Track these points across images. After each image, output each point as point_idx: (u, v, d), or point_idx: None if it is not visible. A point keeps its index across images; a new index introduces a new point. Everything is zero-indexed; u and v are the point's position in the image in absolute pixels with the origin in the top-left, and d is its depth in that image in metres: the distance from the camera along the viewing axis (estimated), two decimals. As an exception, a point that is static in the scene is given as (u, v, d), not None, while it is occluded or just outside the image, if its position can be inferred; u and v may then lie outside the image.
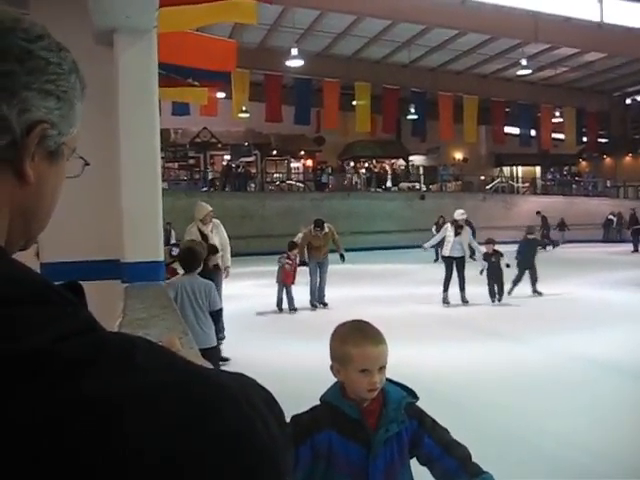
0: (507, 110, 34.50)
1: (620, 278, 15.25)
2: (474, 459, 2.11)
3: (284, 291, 11.59)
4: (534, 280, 12.72)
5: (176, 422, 0.58)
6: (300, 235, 13.15)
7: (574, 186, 38.05)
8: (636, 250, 25.01)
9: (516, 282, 12.55)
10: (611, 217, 31.53)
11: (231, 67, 8.72)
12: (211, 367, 0.84)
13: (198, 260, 5.87)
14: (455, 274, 11.91)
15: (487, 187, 36.45)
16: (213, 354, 5.70)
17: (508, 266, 11.94)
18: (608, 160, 39.78)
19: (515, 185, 39.21)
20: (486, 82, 33.68)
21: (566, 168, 40.01)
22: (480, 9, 25.15)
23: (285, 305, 11.62)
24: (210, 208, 9.03)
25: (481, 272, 11.93)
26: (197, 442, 0.58)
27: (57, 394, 0.55)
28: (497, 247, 12.05)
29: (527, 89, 34.22)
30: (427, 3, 24.19)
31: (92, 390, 0.56)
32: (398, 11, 24.01)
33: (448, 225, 12.45)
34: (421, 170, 37.98)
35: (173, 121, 26.72)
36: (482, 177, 37.41)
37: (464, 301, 11.92)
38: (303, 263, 12.06)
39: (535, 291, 12.73)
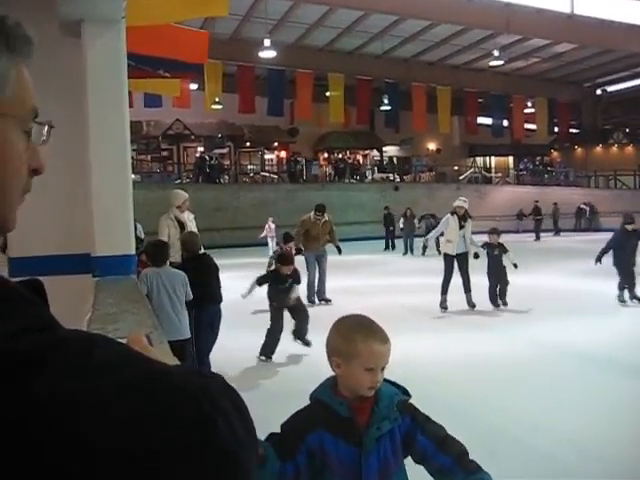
0: (480, 101, 34.72)
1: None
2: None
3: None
4: (633, 284, 10.33)
5: (132, 423, 0.57)
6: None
7: (546, 176, 38.42)
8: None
9: (627, 287, 10.26)
10: (583, 206, 31.93)
11: (203, 59, 8.62)
12: (178, 365, 0.82)
13: (166, 252, 5.85)
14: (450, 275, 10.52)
15: (460, 177, 36.68)
16: (187, 346, 5.68)
17: (516, 266, 10.23)
18: (579, 150, 40.24)
19: (488, 175, 39.51)
20: (459, 73, 33.83)
21: (538, 158, 40.37)
22: (453, 0, 25.22)
23: None
24: (187, 195, 8.92)
25: (475, 256, 10.37)
26: (153, 443, 0.57)
27: (8, 393, 0.54)
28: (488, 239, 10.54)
29: (499, 80, 34.45)
30: (400, -6, 24.21)
31: (46, 389, 0.55)
32: (371, 2, 24.01)
33: (449, 216, 10.74)
34: (395, 161, 38.13)
35: (145, 113, 26.47)
36: (455, 167, 37.63)
37: (471, 305, 10.42)
38: (298, 251, 11.18)
39: (635, 297, 10.32)
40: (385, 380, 2.04)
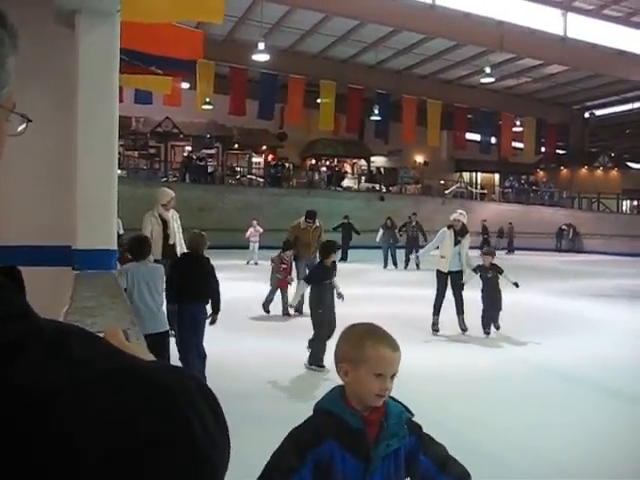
0: (469, 117, 34.92)
1: (583, 286, 15.58)
2: None
3: (278, 294, 10.69)
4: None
5: (107, 417, 0.56)
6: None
7: (531, 195, 38.71)
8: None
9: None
10: (564, 227, 32.24)
11: (198, 55, 8.61)
12: (155, 361, 0.81)
13: (148, 247, 5.91)
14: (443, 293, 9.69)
15: (446, 192, 36.84)
16: (167, 338, 5.75)
17: (517, 285, 9.40)
18: (565, 171, 40.57)
19: (474, 191, 39.72)
20: (450, 88, 34.04)
21: (524, 177, 40.68)
22: (448, 15, 25.38)
23: (275, 309, 10.67)
24: (173, 194, 8.91)
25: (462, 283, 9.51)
26: (127, 439, 0.56)
27: None
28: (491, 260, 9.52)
29: (490, 97, 34.69)
30: (396, 5, 24.32)
31: (22, 378, 0.54)
32: (367, 12, 24.09)
33: (445, 230, 9.82)
34: (382, 171, 38.25)
35: (135, 109, 26.36)
36: (442, 181, 37.80)
37: (463, 329, 9.51)
38: (295, 258, 11.16)
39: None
40: (390, 397, 2.00)
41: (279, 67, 28.12)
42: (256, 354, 7.82)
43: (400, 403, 2.03)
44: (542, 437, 5.12)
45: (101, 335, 0.74)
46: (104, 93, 4.59)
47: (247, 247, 20.54)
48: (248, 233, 20.55)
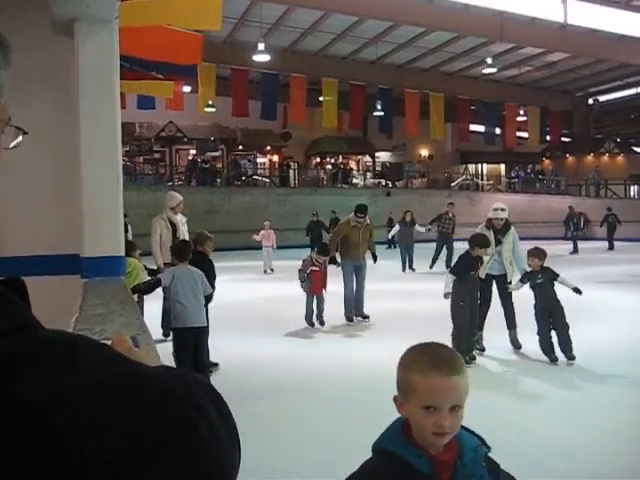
0: (472, 108, 34.82)
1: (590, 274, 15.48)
2: None
3: (314, 302, 9.53)
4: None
5: (114, 425, 0.57)
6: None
7: (537, 184, 38.58)
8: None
9: None
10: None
11: (197, 59, 8.62)
12: (161, 365, 0.81)
13: (189, 250, 6.47)
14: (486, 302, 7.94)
15: (452, 184, 36.78)
16: (205, 333, 6.28)
17: (578, 292, 7.28)
18: (570, 159, 40.42)
19: (480, 182, 39.63)
20: (452, 80, 33.94)
21: (530, 166, 40.55)
22: (447, 7, 25.29)
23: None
24: (181, 198, 8.93)
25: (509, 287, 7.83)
26: (133, 446, 0.56)
27: None
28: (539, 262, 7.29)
29: (492, 87, 34.58)
30: (394, 0, 24.27)
31: (29, 390, 0.54)
32: (365, 8, 24.05)
33: (483, 227, 8.09)
34: (387, 166, 38.22)
35: (138, 115, 26.43)
36: (447, 174, 37.73)
37: (516, 345, 7.77)
38: (332, 261, 9.87)
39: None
40: (462, 427, 1.64)
41: (280, 67, 28.14)
42: (269, 355, 7.82)
43: (474, 434, 1.69)
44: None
45: (108, 343, 0.75)
46: (106, 100, 4.60)
47: (255, 248, 18.70)
48: (260, 236, 17.80)
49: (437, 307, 8.28)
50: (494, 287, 7.92)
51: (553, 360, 7.06)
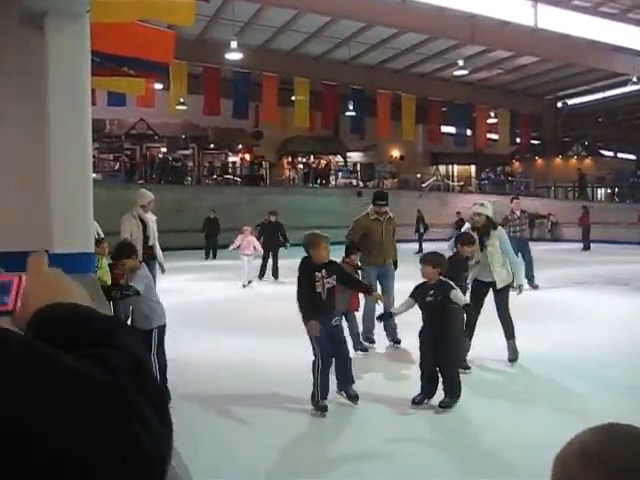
0: (444, 110, 35.09)
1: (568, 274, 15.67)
2: None
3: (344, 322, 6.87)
4: None
5: (42, 423, 0.56)
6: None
7: (507, 186, 38.97)
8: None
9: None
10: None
11: (169, 58, 8.54)
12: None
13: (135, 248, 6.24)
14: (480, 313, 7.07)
15: (423, 185, 37.01)
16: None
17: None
18: (539, 161, 40.88)
19: (450, 184, 39.94)
20: (424, 81, 34.16)
21: (500, 168, 40.96)
22: (419, 9, 25.45)
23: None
24: (152, 196, 8.86)
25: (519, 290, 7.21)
26: (58, 445, 0.56)
27: None
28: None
29: (463, 90, 34.87)
30: (367, 1, 24.34)
31: None
32: (338, 8, 24.09)
33: (468, 226, 7.40)
34: (359, 167, 38.32)
35: (109, 111, 26.16)
36: (418, 175, 37.94)
37: (512, 360, 6.98)
38: (357, 267, 7.50)
39: None
40: None
41: (252, 65, 28.06)
42: (254, 356, 7.74)
43: None
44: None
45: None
46: (76, 95, 4.54)
47: (226, 246, 15.33)
48: (237, 243, 14.20)
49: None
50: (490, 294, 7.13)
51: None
